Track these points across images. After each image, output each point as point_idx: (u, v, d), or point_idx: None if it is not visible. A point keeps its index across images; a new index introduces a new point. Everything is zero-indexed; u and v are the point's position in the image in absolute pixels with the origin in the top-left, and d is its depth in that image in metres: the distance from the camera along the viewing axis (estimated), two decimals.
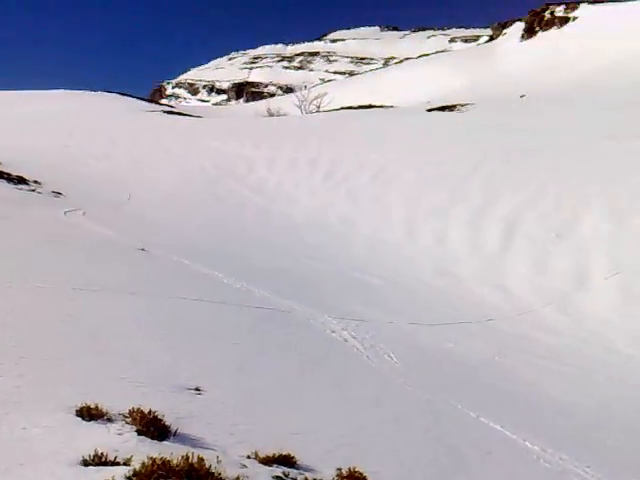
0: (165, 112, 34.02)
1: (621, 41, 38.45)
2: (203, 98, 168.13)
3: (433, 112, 25.69)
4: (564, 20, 51.27)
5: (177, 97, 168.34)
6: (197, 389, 4.73)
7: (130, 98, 41.51)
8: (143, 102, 41.63)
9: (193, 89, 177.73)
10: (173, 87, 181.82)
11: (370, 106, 34.91)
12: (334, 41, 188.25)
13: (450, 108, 26.05)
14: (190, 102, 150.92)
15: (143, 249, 10.36)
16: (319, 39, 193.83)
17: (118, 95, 41.93)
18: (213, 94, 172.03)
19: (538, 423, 6.02)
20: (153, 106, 39.80)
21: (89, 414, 3.72)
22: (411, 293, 11.38)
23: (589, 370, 8.31)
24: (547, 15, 52.81)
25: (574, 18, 50.59)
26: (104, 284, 7.44)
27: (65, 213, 12.92)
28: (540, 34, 51.41)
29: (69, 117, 28.23)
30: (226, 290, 8.66)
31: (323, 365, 6.40)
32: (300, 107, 42.46)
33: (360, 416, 5.17)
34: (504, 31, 56.53)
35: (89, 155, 21.50)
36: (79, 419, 3.68)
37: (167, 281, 8.69)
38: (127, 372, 4.76)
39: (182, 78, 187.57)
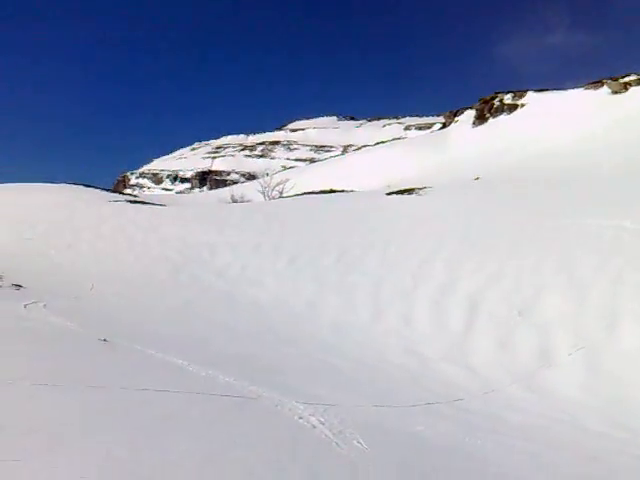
0: (129, 201, 34.10)
1: (563, 126, 40.68)
2: (167, 187, 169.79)
3: (392, 195, 26.36)
4: (513, 107, 54.39)
5: (141, 187, 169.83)
6: None
7: (94, 189, 41.59)
8: (107, 192, 41.71)
9: (157, 178, 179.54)
10: (137, 177, 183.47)
11: (332, 191, 35.70)
12: (294, 130, 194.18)
13: (409, 191, 26.78)
14: (154, 191, 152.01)
15: (105, 340, 10.15)
16: (279, 129, 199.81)
17: (81, 186, 42.00)
18: (177, 183, 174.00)
19: None
20: (117, 196, 39.89)
21: None
22: (378, 374, 11.31)
23: (557, 449, 8.26)
24: (496, 103, 55.97)
25: (522, 105, 53.66)
26: (64, 378, 7.23)
27: (25, 306, 12.66)
28: (491, 120, 54.24)
29: (31, 209, 28.10)
30: (191, 378, 8.49)
31: (292, 454, 6.26)
32: (263, 193, 43.21)
33: None
34: (456, 118, 59.48)
35: (51, 247, 21.35)
36: None
37: (130, 372, 8.49)
38: (86, 471, 4.58)
39: (146, 168, 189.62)
